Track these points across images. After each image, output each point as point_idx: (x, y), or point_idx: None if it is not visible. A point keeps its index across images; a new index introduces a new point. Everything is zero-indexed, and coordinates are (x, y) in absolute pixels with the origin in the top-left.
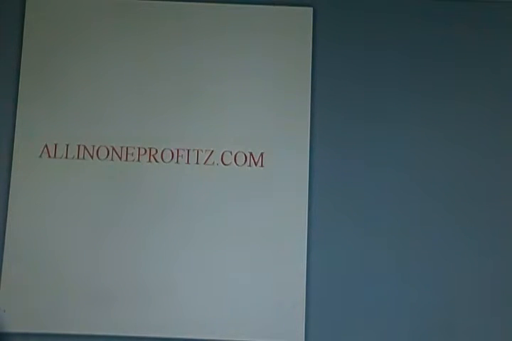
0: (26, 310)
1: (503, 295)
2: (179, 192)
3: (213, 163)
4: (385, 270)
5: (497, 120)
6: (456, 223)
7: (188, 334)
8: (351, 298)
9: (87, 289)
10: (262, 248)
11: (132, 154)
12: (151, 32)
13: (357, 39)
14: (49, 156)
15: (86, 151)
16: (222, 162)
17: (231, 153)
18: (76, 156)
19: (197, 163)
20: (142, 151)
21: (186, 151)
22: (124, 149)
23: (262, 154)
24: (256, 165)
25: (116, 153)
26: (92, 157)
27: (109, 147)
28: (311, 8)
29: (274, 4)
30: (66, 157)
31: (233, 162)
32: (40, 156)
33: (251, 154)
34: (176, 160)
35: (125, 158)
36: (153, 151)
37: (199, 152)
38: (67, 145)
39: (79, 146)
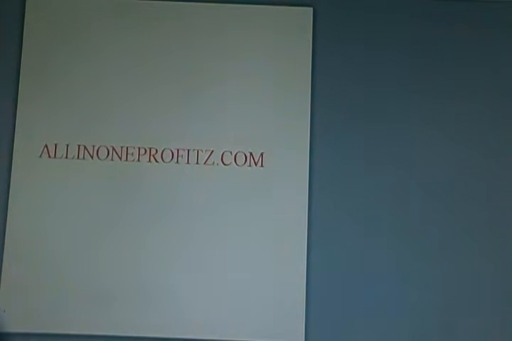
0: (26, 310)
1: (503, 295)
2: (179, 192)
3: (213, 163)
4: (385, 270)
5: (497, 120)
6: (456, 223)
7: (188, 334)
8: (351, 298)
9: (87, 289)
10: (262, 248)
11: (132, 154)
12: (151, 32)
13: (357, 39)
14: (49, 156)
15: (86, 151)
16: (222, 162)
17: (231, 153)
18: (76, 156)
19: (197, 163)
20: (142, 151)
21: (186, 151)
22: (124, 149)
23: (262, 154)
24: (256, 165)
25: (116, 153)
26: (92, 157)
27: (109, 147)
28: (311, 8)
29: (274, 4)
30: (66, 157)
31: (233, 162)
32: (40, 156)
33: (251, 154)
34: (176, 160)
35: (125, 158)
36: (153, 151)
37: (199, 152)
38: (67, 145)
39: (79, 146)
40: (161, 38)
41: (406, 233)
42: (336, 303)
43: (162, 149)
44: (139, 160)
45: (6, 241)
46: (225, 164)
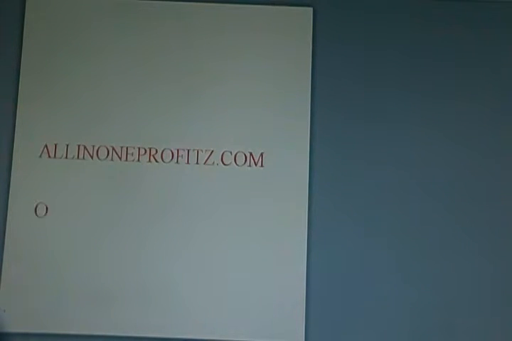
0: (26, 310)
1: (503, 295)
2: (179, 192)
3: (213, 163)
4: (385, 270)
5: (497, 120)
6: (456, 223)
7: (188, 334)
8: (351, 298)
9: (87, 289)
10: (262, 248)
11: (132, 154)
12: (151, 32)
13: (357, 39)
14: (49, 156)
15: (86, 151)
16: (222, 162)
17: (231, 153)
18: (76, 156)
19: (197, 163)
20: (142, 151)
21: (186, 151)
22: (124, 149)
23: (262, 154)
24: (256, 165)
25: (116, 153)
26: (92, 157)
27: (109, 147)
28: (311, 8)
29: (274, 4)
30: (66, 157)
31: (233, 162)
32: (40, 156)
33: (251, 154)
34: (176, 160)
35: (125, 158)
36: (153, 151)
37: (199, 152)
38: (67, 145)
39: (79, 146)
40: (161, 38)
41: (406, 233)
42: (336, 303)
43: (162, 149)
44: (139, 160)
45: (6, 241)
46: (225, 164)
